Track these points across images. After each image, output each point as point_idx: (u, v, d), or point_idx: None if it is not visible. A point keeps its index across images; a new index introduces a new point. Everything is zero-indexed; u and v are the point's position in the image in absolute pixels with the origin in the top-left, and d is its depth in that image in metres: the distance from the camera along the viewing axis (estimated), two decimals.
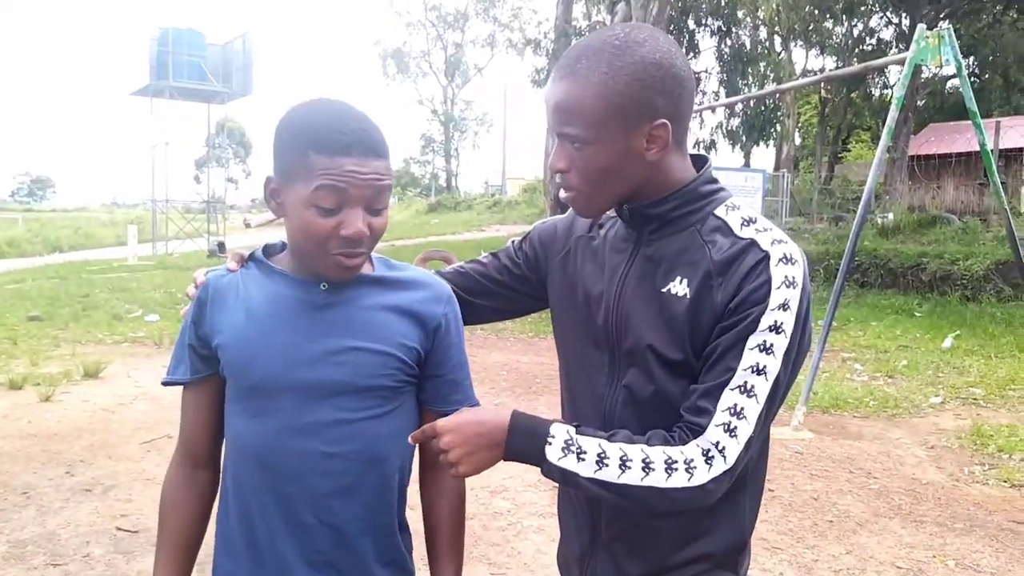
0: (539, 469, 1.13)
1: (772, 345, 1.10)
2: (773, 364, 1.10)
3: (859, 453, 4.97)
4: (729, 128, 30.06)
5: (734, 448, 1.09)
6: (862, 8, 24.02)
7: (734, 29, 26.56)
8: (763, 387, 1.10)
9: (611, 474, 1.08)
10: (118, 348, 8.12)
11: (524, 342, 8.91)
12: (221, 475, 1.34)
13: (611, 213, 1.30)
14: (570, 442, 1.10)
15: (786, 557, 3.49)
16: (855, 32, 26.68)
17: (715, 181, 1.24)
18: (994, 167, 6.43)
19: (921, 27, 5.82)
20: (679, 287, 1.17)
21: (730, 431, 1.09)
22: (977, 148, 6.43)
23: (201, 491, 1.34)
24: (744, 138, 30.38)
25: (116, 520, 3.75)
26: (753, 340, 1.10)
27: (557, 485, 1.38)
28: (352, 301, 1.27)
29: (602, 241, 1.31)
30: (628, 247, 1.26)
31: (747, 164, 29.78)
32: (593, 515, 1.30)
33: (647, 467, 1.08)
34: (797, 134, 32.56)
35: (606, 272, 1.27)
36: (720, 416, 1.09)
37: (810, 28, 26.72)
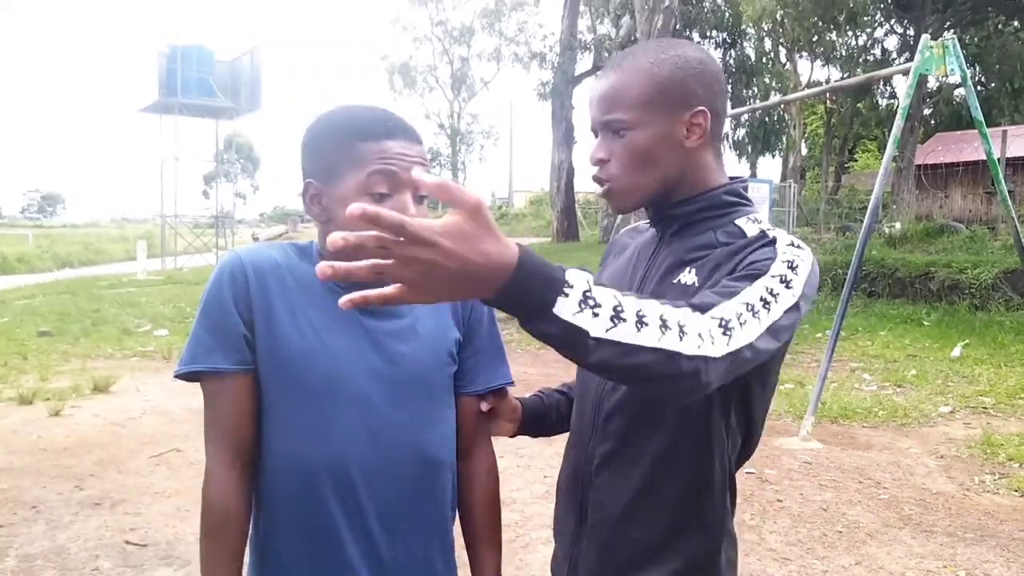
0: (528, 328, 0.88)
1: (777, 295, 1.04)
2: (776, 309, 1.03)
3: (868, 463, 4.94)
4: (735, 139, 30.12)
5: (722, 344, 0.95)
6: (865, 19, 24.05)
7: (739, 41, 26.65)
8: (765, 317, 1.01)
9: (626, 332, 0.88)
10: (127, 363, 8.16)
11: (532, 354, 8.90)
12: (260, 485, 1.25)
13: (647, 224, 1.34)
14: (588, 294, 0.86)
15: (795, 568, 3.48)
16: (859, 42, 26.72)
17: (742, 196, 1.26)
18: (1001, 176, 6.43)
19: (925, 37, 5.83)
20: (688, 277, 1.20)
21: (724, 327, 0.97)
22: (984, 157, 6.42)
23: (250, 491, 1.24)
24: (750, 149, 30.42)
25: (125, 534, 3.76)
26: (762, 282, 1.05)
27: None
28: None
29: (634, 249, 1.36)
30: (651, 249, 1.30)
31: (753, 175, 29.81)
32: (581, 509, 1.30)
33: (665, 326, 0.90)
34: (803, 144, 32.56)
35: (629, 271, 1.32)
36: (721, 309, 0.99)
37: (814, 39, 26.76)
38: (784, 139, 31.20)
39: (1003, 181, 6.48)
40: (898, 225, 15.11)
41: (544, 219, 28.80)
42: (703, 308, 0.98)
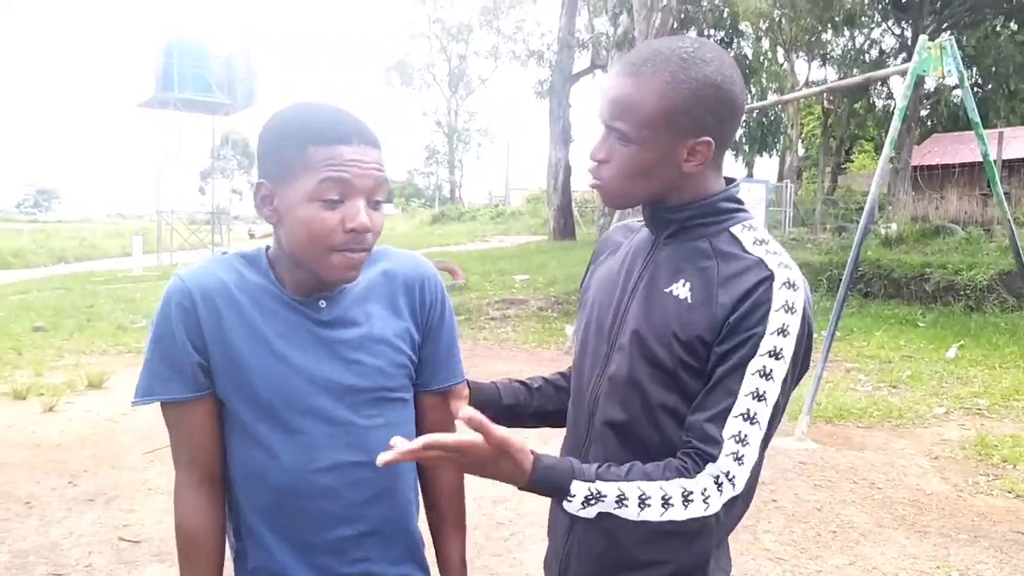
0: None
1: (772, 371, 1.13)
2: (773, 390, 1.13)
3: (863, 463, 4.95)
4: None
5: (743, 474, 1.12)
6: (863, 19, 24.07)
7: (736, 40, 26.64)
8: (764, 413, 1.13)
9: (631, 513, 1.11)
10: (122, 358, 8.14)
11: (527, 352, 8.90)
12: (231, 502, 1.27)
13: (639, 222, 1.36)
14: (589, 497, 1.11)
15: (789, 567, 3.48)
16: (857, 43, 26.75)
17: (737, 202, 1.28)
18: (997, 177, 6.43)
19: (923, 38, 5.83)
20: (681, 289, 1.20)
21: (738, 459, 1.12)
22: (980, 158, 6.43)
23: (221, 509, 1.26)
24: (747, 149, 30.43)
25: (118, 530, 3.75)
26: (753, 365, 1.13)
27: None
28: (352, 311, 1.25)
29: (628, 246, 1.36)
30: (646, 250, 1.30)
31: (750, 175, 29.84)
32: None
33: (666, 503, 1.11)
34: (800, 145, 32.60)
35: (623, 274, 1.32)
36: (728, 445, 1.12)
37: (811, 39, 26.78)
38: (781, 139, 31.22)
39: (999, 183, 6.49)
40: (894, 226, 15.13)
41: (541, 217, 28.72)
42: (704, 457, 1.13)
